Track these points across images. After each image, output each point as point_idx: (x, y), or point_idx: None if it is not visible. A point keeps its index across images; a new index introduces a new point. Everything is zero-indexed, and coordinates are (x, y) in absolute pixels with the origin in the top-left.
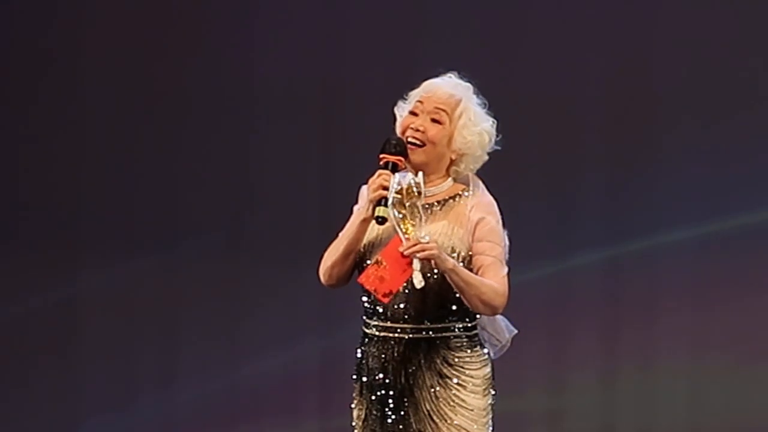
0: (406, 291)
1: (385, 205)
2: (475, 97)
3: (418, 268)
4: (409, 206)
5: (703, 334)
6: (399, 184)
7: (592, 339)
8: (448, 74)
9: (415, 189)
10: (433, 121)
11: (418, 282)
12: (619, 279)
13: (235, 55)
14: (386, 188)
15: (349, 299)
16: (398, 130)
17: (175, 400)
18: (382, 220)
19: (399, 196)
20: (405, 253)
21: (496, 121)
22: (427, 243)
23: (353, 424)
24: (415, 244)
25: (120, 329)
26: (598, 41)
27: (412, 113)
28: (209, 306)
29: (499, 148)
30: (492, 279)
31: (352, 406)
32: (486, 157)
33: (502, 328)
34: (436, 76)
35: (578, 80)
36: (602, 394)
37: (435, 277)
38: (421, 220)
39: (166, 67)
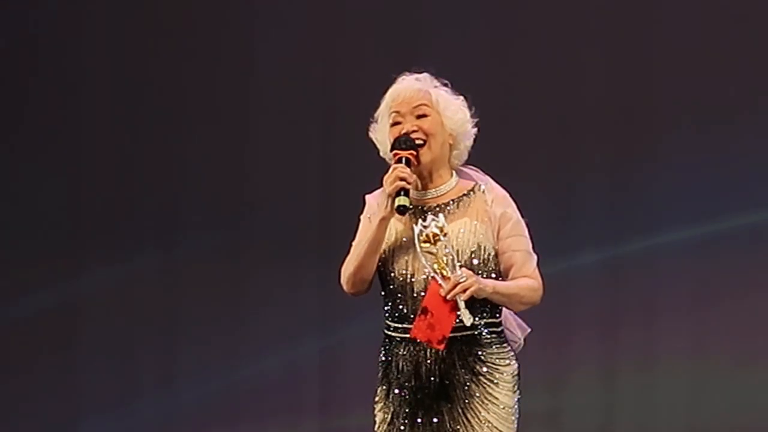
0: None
1: (406, 195)
2: (436, 81)
3: (464, 307)
4: (437, 249)
5: (703, 334)
6: (421, 231)
7: (592, 339)
8: (401, 77)
9: (439, 232)
10: (420, 117)
11: (468, 319)
12: (619, 279)
13: (235, 54)
14: (403, 179)
15: (348, 299)
16: (388, 146)
17: (175, 400)
18: (404, 209)
19: (427, 243)
20: (447, 297)
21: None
22: (465, 280)
23: (376, 429)
24: (455, 286)
25: (120, 329)
26: (598, 42)
27: (395, 124)
28: (209, 306)
29: (477, 119)
30: (525, 273)
31: (376, 410)
32: (474, 130)
33: (515, 327)
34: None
35: (578, 81)
36: (602, 394)
37: None
38: (453, 259)
39: (166, 67)
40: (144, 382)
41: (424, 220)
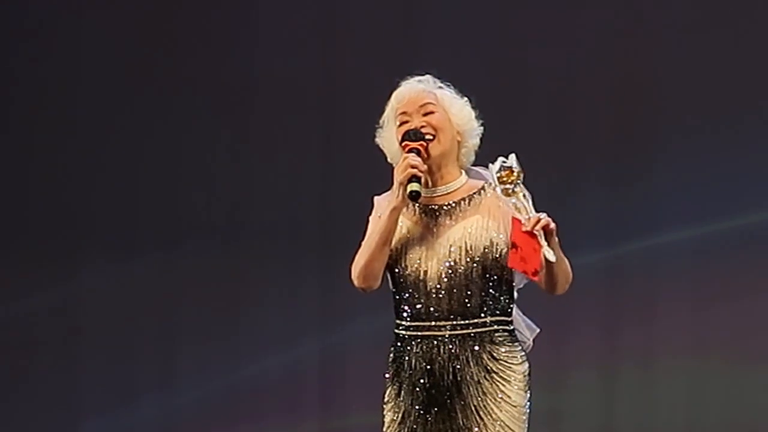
0: (444, 290)
1: (418, 182)
2: (438, 82)
3: (545, 244)
4: (514, 186)
5: (703, 334)
6: (500, 170)
7: (592, 338)
8: (404, 82)
9: (515, 169)
10: (426, 114)
11: (552, 256)
12: (619, 279)
13: (235, 54)
14: (415, 167)
15: (348, 299)
16: (396, 149)
17: (175, 400)
18: (416, 195)
19: (507, 180)
20: (535, 230)
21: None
22: (545, 217)
23: (385, 429)
24: (538, 221)
25: (120, 329)
26: (598, 42)
27: (403, 124)
28: (209, 306)
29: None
30: None
31: (385, 410)
32: (481, 129)
33: (524, 328)
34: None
35: (578, 81)
36: (602, 393)
37: (465, 271)
38: (526, 197)
39: (166, 67)
40: (144, 382)
41: (437, 216)
